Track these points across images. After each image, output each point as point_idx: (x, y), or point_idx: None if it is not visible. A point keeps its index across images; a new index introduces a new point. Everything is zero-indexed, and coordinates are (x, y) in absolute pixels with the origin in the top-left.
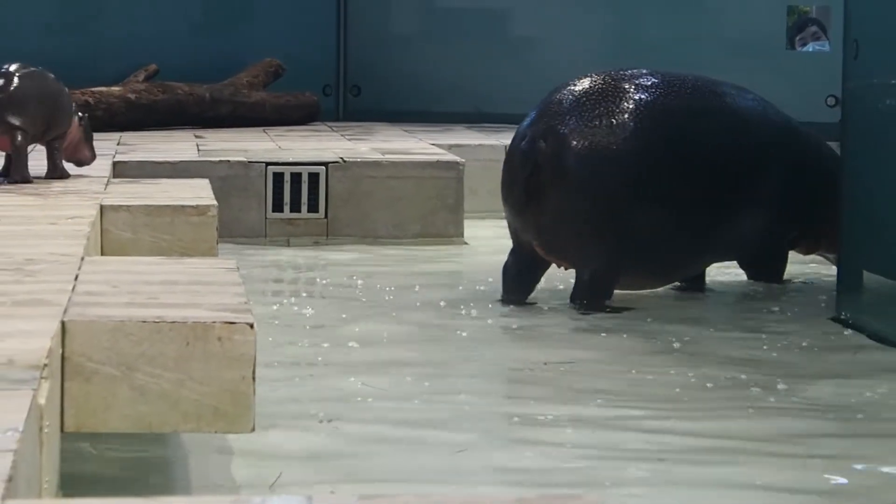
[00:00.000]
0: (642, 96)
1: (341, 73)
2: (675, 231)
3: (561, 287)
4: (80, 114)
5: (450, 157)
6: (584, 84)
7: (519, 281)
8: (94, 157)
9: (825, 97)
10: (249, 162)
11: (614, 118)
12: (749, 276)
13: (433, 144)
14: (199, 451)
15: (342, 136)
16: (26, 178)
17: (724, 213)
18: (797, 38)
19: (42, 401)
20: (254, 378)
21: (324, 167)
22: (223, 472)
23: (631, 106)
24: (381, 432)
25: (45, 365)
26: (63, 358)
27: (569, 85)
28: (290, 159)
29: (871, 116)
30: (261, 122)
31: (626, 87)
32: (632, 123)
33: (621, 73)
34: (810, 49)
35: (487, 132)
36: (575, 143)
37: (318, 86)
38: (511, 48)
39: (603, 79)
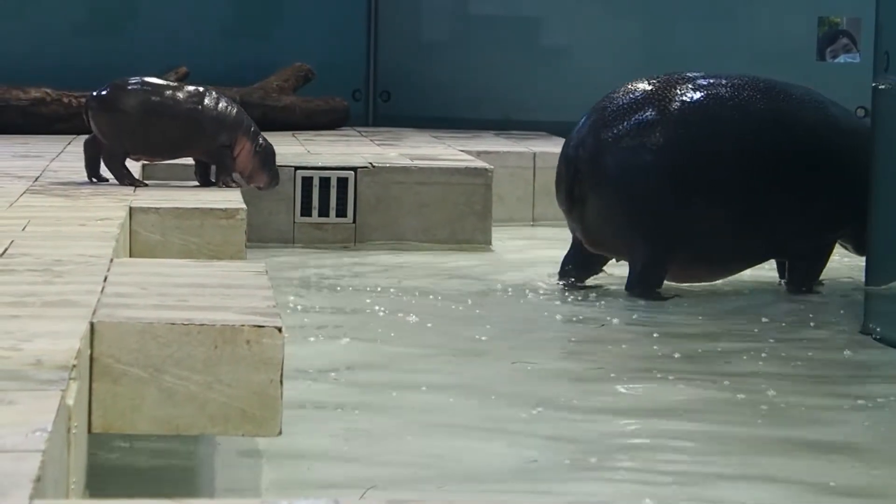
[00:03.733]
0: (686, 99)
1: (371, 79)
2: (718, 229)
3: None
4: (258, 139)
5: (478, 163)
6: (629, 89)
7: (576, 271)
8: (273, 181)
9: (855, 108)
10: (278, 166)
11: (651, 123)
12: (789, 276)
13: (462, 151)
14: (226, 452)
15: (371, 141)
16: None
17: (771, 211)
18: (828, 49)
19: (70, 401)
20: (281, 382)
21: (352, 172)
22: (250, 473)
23: (672, 110)
24: (408, 434)
25: (74, 366)
26: (91, 359)
27: (617, 90)
28: (319, 164)
29: None
30: (290, 126)
31: (672, 91)
32: (669, 128)
33: (672, 76)
34: (841, 61)
35: (516, 139)
36: (610, 148)
37: (347, 91)
38: (541, 56)
39: (650, 83)
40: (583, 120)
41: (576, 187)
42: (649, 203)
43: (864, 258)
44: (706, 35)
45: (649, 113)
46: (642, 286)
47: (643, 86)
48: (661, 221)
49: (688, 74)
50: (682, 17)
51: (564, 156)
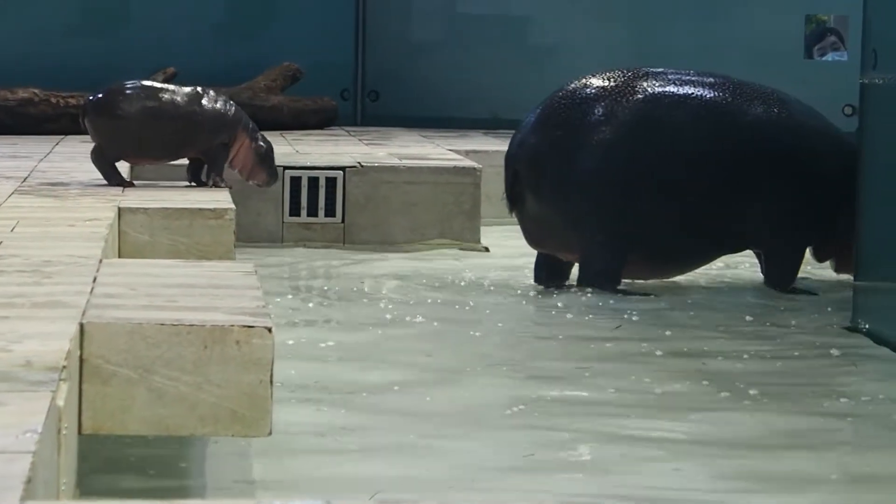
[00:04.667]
0: (633, 97)
1: (359, 78)
2: (664, 228)
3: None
4: (256, 136)
5: (467, 162)
6: (575, 86)
7: (548, 270)
8: (272, 179)
9: (842, 106)
10: None
11: (593, 122)
12: (764, 275)
13: (450, 150)
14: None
15: (360, 140)
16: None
17: (721, 210)
18: (816, 47)
19: (60, 403)
20: (271, 382)
21: (341, 172)
22: (241, 475)
23: (617, 108)
24: (397, 433)
25: (64, 367)
26: (81, 360)
27: (565, 86)
28: (308, 163)
29: (889, 125)
30: (278, 125)
31: (619, 88)
32: (611, 127)
33: (626, 72)
34: (829, 59)
35: (504, 138)
36: (549, 148)
37: (336, 90)
38: (529, 55)
39: (600, 79)
40: (527, 117)
41: (516, 187)
42: (586, 202)
43: (825, 264)
44: (693, 34)
45: (593, 111)
46: (596, 285)
47: (592, 81)
48: (600, 220)
49: (644, 70)
50: (671, 15)
51: (507, 155)
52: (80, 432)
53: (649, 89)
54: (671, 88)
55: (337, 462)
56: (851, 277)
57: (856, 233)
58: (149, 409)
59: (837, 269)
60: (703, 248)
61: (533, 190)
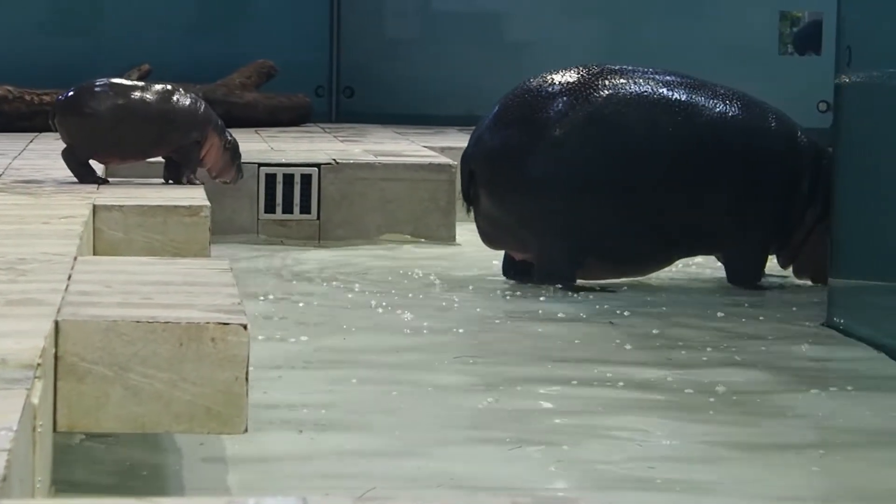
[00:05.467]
0: (574, 97)
1: (334, 75)
2: (618, 228)
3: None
4: (226, 134)
5: (442, 159)
6: (523, 87)
7: (515, 266)
8: (239, 176)
9: (817, 102)
10: (243, 163)
11: (537, 122)
12: (727, 276)
13: (425, 147)
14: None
15: (334, 137)
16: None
17: (672, 210)
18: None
19: (35, 400)
20: (247, 379)
21: (316, 169)
22: (216, 473)
23: (570, 107)
24: (374, 432)
25: (39, 364)
26: (56, 357)
27: (515, 87)
28: (283, 160)
29: (864, 122)
30: (253, 122)
31: (561, 87)
32: (564, 126)
33: (583, 69)
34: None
35: None
36: (497, 149)
37: (310, 87)
38: (504, 52)
39: (556, 77)
40: (485, 116)
41: (472, 186)
42: (537, 202)
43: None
44: (668, 31)
45: (547, 109)
46: (550, 284)
47: (549, 79)
48: (552, 220)
49: (604, 67)
50: (644, 12)
51: (463, 154)
52: (55, 430)
53: (604, 87)
54: (628, 87)
55: (311, 459)
56: (810, 282)
57: (830, 230)
58: (124, 407)
59: (796, 273)
60: (657, 250)
61: (486, 189)
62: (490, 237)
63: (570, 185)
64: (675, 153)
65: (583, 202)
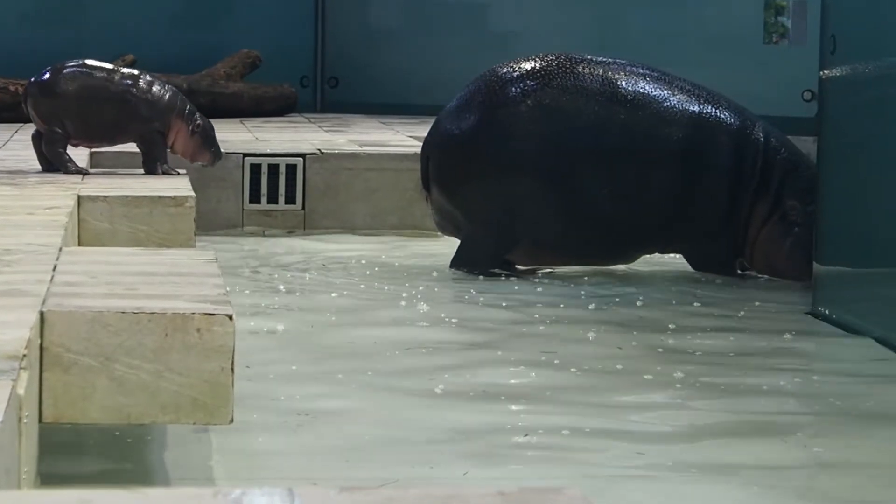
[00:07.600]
0: (527, 85)
1: (319, 65)
2: (553, 218)
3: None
4: (194, 118)
5: None
6: (484, 74)
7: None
8: (216, 158)
9: (801, 91)
10: (226, 153)
11: (488, 108)
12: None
13: (411, 137)
14: (180, 442)
15: (319, 127)
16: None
17: (619, 205)
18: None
19: (21, 391)
20: (233, 369)
21: (301, 159)
22: (203, 464)
23: (509, 96)
24: (361, 423)
25: (24, 355)
26: (42, 348)
27: (479, 75)
28: (268, 150)
29: (848, 111)
30: (238, 112)
31: (521, 75)
32: (501, 112)
33: (545, 58)
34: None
35: None
36: (450, 136)
37: (295, 77)
38: (489, 41)
39: (506, 67)
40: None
41: (428, 172)
42: (475, 186)
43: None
44: (654, 20)
45: (500, 96)
46: (469, 265)
47: (513, 66)
48: (486, 204)
49: (570, 56)
50: (631, 1)
51: (423, 141)
52: (40, 421)
53: (561, 76)
54: (584, 77)
55: (298, 450)
56: (767, 276)
57: (815, 220)
58: (110, 398)
59: (754, 268)
60: (603, 241)
61: (436, 175)
62: (441, 225)
63: (506, 169)
64: (614, 144)
65: (519, 187)
